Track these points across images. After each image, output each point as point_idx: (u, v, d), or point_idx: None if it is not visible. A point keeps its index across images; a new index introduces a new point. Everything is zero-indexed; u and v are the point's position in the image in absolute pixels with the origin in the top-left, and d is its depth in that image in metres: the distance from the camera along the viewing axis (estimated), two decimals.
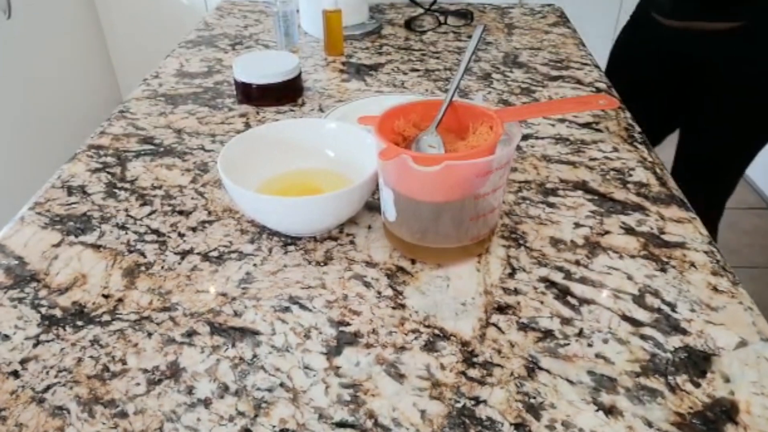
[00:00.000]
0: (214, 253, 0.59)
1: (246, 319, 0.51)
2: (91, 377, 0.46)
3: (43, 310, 0.52)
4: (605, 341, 0.49)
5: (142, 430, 0.42)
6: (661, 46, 0.82)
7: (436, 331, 0.50)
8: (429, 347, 0.48)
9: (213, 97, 0.89)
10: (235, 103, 0.87)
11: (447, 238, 0.56)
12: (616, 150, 0.75)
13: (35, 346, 0.49)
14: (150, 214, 0.64)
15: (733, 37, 0.81)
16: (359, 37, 1.12)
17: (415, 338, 0.49)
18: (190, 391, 0.45)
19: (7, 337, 0.50)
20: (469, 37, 1.12)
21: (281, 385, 0.46)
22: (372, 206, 0.65)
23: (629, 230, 0.61)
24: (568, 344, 0.49)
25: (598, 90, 0.91)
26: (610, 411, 0.43)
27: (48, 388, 0.45)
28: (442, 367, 0.47)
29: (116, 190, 0.68)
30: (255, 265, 0.57)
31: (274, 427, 0.42)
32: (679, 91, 0.79)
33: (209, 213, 0.64)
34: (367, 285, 0.55)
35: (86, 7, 1.87)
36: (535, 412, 0.43)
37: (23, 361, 0.48)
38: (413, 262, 0.57)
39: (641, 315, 0.51)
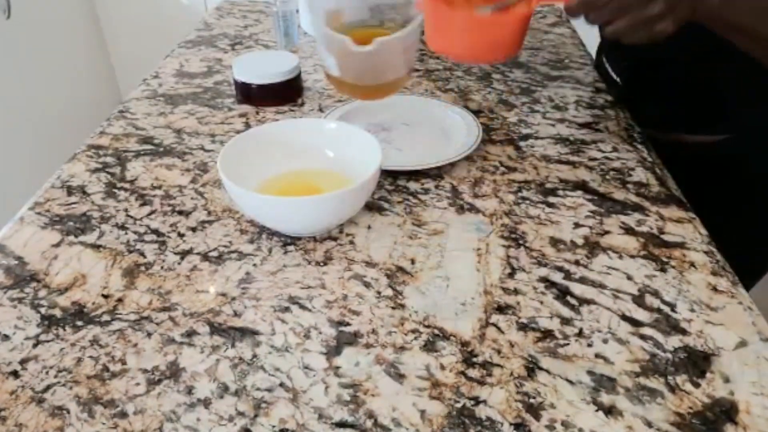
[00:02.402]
0: (214, 253, 0.59)
1: (246, 319, 0.51)
2: (90, 377, 0.46)
3: (42, 310, 0.52)
4: (605, 341, 0.49)
5: (141, 430, 0.42)
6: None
7: (436, 331, 0.50)
8: (429, 347, 0.49)
9: (213, 97, 0.89)
10: (235, 103, 0.87)
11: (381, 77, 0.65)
12: (615, 150, 0.75)
13: (35, 346, 0.49)
14: (150, 214, 0.64)
15: (713, 150, 0.78)
16: None
17: (415, 338, 0.49)
18: (189, 391, 0.45)
19: (6, 337, 0.50)
20: None
21: (281, 385, 0.46)
22: (372, 206, 0.65)
23: (629, 230, 0.61)
24: (568, 344, 0.49)
25: (598, 90, 0.91)
26: (610, 411, 0.43)
27: (48, 388, 0.45)
28: (442, 367, 0.47)
29: (116, 190, 0.68)
30: (255, 265, 0.57)
31: (273, 427, 0.43)
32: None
33: (209, 213, 0.64)
34: (367, 285, 0.55)
35: (86, 7, 1.87)
36: (535, 412, 0.43)
37: (23, 361, 0.48)
38: (413, 261, 0.57)
39: (641, 315, 0.51)
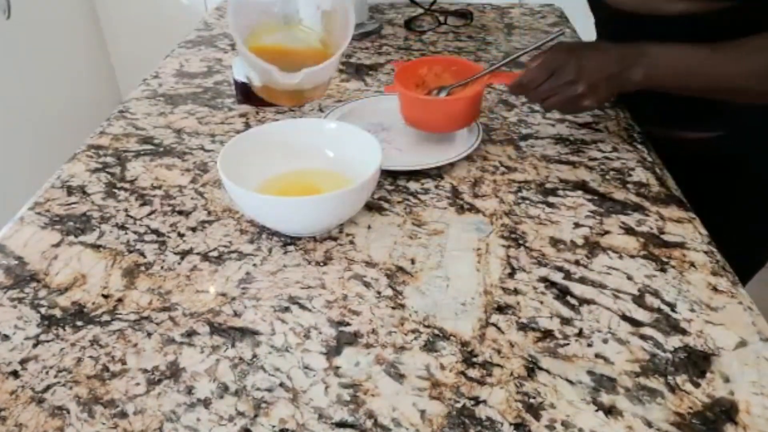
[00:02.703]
0: (214, 253, 0.59)
1: (246, 319, 0.51)
2: (90, 377, 0.46)
3: (42, 310, 0.52)
4: (605, 341, 0.49)
5: (141, 430, 0.42)
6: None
7: (436, 331, 0.50)
8: (429, 347, 0.49)
9: (213, 97, 0.89)
10: (235, 103, 0.87)
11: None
12: (615, 150, 0.75)
13: (35, 346, 0.49)
14: (150, 214, 0.64)
15: (710, 147, 0.79)
16: (359, 37, 1.12)
17: (415, 338, 0.49)
18: (189, 391, 0.45)
19: (6, 337, 0.50)
20: (470, 37, 1.12)
21: (281, 385, 0.46)
22: (372, 206, 0.65)
23: (629, 230, 0.61)
24: (568, 344, 0.49)
25: None
26: (610, 411, 0.43)
27: (48, 388, 0.45)
28: (442, 367, 0.47)
29: (116, 190, 0.68)
30: (255, 265, 0.57)
31: (273, 427, 0.43)
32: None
33: (209, 213, 0.64)
34: (367, 285, 0.55)
35: (86, 7, 1.87)
36: (535, 412, 0.43)
37: (23, 361, 0.48)
38: (413, 261, 0.57)
39: (641, 315, 0.51)
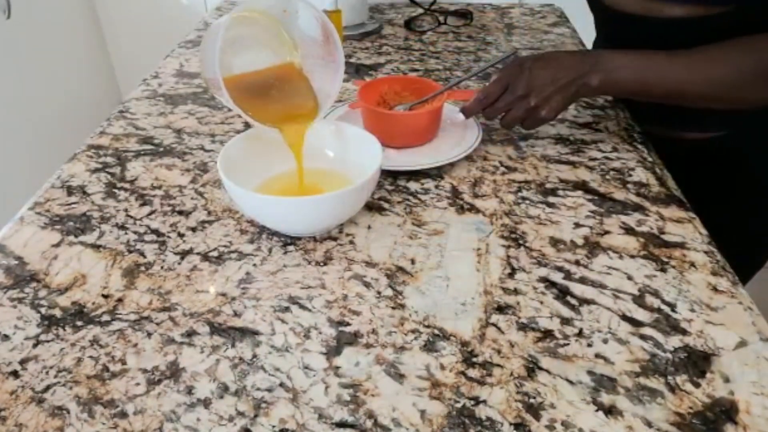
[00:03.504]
0: (214, 253, 0.59)
1: (246, 319, 0.51)
2: (90, 377, 0.46)
3: (42, 310, 0.52)
4: (605, 341, 0.49)
5: (141, 430, 0.42)
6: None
7: (436, 331, 0.50)
8: (429, 347, 0.49)
9: (213, 97, 0.89)
10: None
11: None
12: (615, 150, 0.75)
13: (35, 346, 0.49)
14: (150, 214, 0.64)
15: (710, 147, 0.79)
16: (359, 37, 1.12)
17: (415, 338, 0.49)
18: (189, 391, 0.45)
19: (6, 337, 0.50)
20: (470, 36, 1.12)
21: (281, 385, 0.46)
22: (372, 206, 0.65)
23: (629, 230, 0.61)
24: (568, 344, 0.49)
25: None
26: (610, 411, 0.43)
27: (48, 388, 0.45)
28: (442, 367, 0.47)
29: (116, 190, 0.68)
30: (255, 265, 0.57)
31: (273, 427, 0.43)
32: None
33: (209, 213, 0.64)
34: (367, 285, 0.55)
35: (86, 7, 1.87)
36: (535, 412, 0.43)
37: (23, 361, 0.48)
38: (413, 261, 0.57)
39: (641, 315, 0.51)
